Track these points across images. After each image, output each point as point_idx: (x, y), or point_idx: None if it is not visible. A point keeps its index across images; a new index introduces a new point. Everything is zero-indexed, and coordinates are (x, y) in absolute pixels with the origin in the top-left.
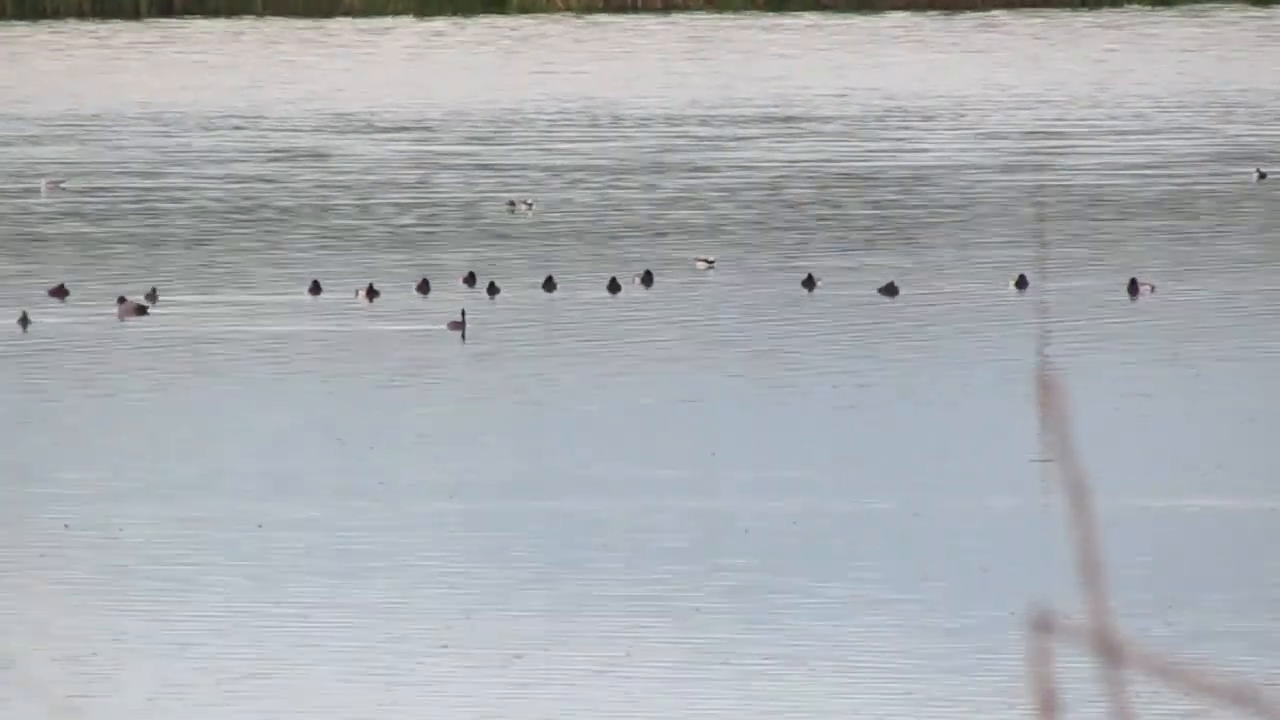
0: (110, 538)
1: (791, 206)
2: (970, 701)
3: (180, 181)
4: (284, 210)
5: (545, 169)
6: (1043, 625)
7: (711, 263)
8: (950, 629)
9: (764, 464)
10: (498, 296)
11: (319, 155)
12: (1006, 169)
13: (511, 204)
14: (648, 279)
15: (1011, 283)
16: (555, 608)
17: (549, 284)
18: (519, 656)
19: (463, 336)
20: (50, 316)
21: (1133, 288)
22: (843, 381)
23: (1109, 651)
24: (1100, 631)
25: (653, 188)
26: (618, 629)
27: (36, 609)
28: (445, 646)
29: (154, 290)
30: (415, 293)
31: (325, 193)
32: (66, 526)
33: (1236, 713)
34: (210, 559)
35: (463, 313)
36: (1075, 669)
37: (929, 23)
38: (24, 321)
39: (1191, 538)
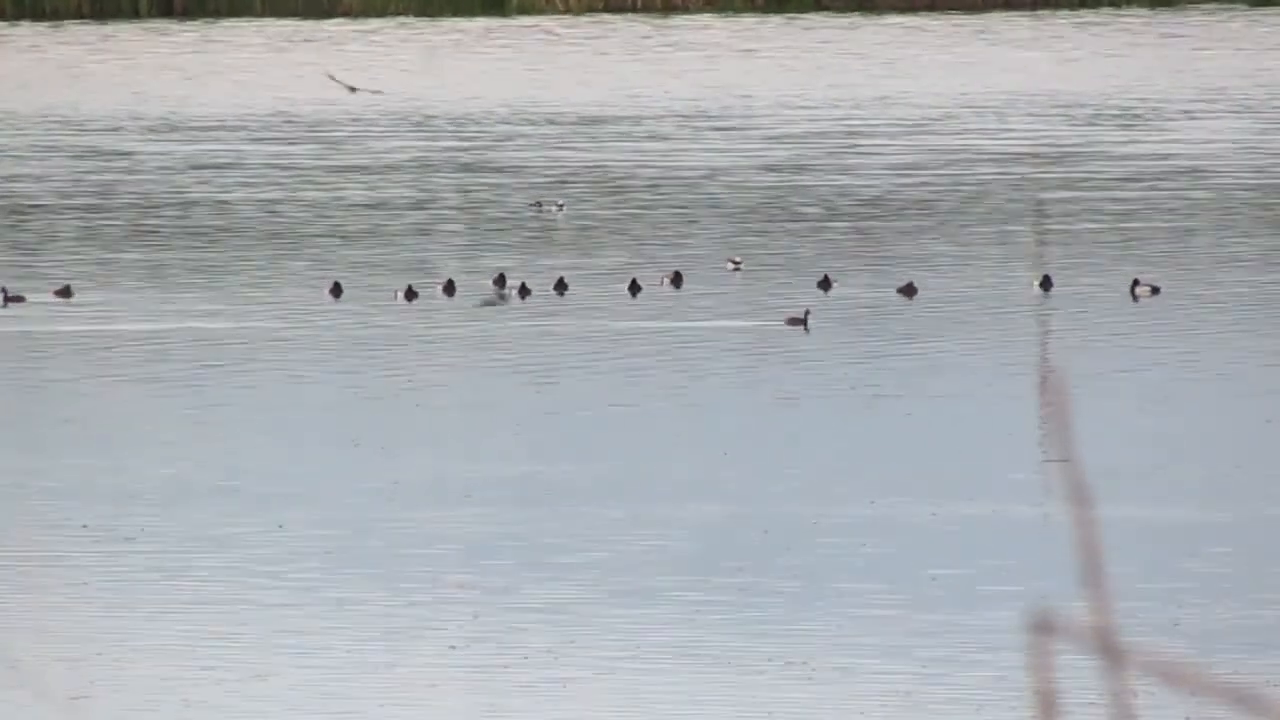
0: (126, 538)
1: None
2: (972, 703)
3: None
4: (293, 211)
5: (555, 170)
6: (1044, 626)
7: (738, 264)
8: (954, 629)
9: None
10: (523, 298)
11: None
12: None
13: (539, 204)
14: (677, 280)
15: (1035, 283)
16: (561, 609)
17: (560, 285)
18: (526, 658)
19: (806, 331)
20: (55, 320)
21: (1133, 289)
22: (856, 382)
23: (1111, 653)
24: (1102, 632)
25: (658, 188)
26: (623, 630)
27: (44, 607)
28: (453, 647)
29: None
30: (441, 294)
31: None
32: (85, 526)
33: (1238, 714)
34: (220, 560)
35: (806, 311)
36: (1077, 670)
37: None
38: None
39: (1201, 540)
